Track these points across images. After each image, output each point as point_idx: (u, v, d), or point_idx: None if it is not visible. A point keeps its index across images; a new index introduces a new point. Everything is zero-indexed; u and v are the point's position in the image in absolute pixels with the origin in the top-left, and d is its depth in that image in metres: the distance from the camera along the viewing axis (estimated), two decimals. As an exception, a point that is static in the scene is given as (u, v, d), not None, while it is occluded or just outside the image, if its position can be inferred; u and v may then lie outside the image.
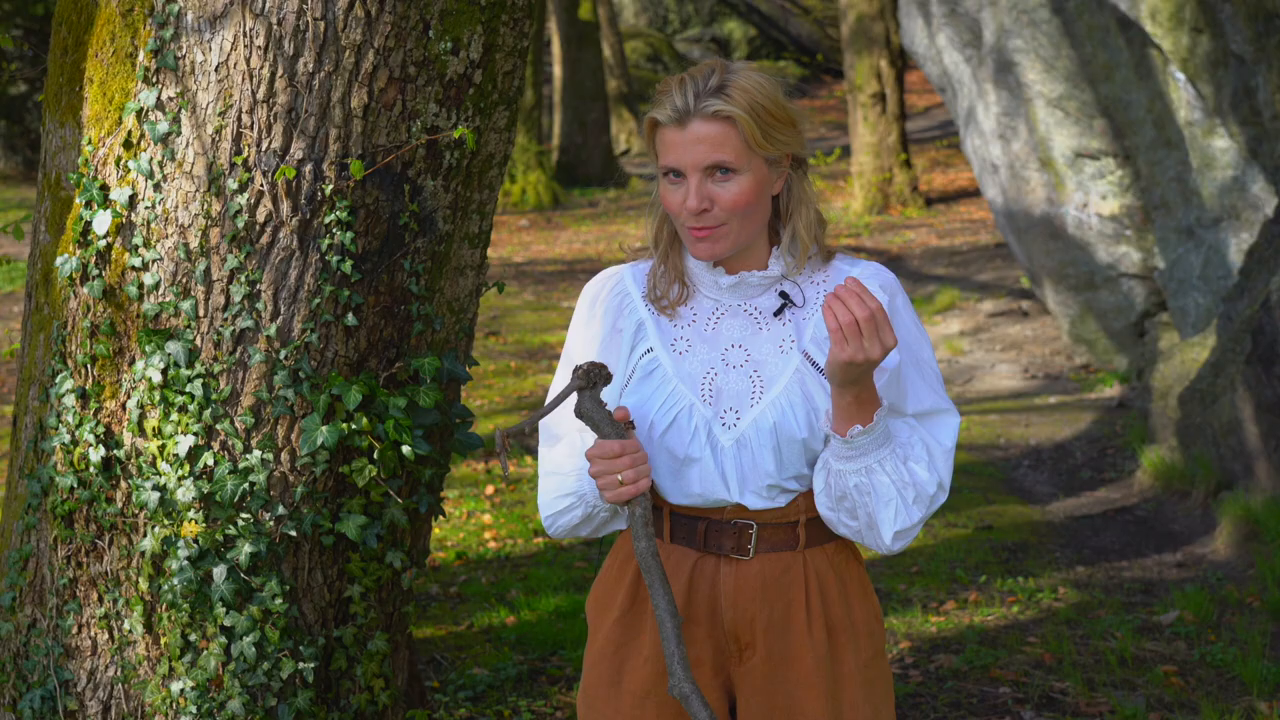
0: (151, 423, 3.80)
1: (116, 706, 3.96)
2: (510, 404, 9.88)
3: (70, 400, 3.90)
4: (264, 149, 3.64)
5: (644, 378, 2.72)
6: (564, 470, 2.77)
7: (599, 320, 2.79)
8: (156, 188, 3.74)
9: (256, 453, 3.77)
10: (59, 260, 3.87)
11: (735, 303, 2.73)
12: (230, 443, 3.78)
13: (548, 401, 2.64)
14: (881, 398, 2.60)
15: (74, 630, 4.01)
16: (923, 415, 2.68)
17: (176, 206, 3.72)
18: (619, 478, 2.58)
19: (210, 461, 3.77)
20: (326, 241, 3.68)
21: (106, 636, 3.98)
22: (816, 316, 2.70)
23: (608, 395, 2.68)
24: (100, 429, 3.87)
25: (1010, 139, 10.23)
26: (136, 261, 3.77)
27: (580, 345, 2.80)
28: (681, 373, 2.71)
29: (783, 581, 2.69)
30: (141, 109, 3.73)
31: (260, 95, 3.61)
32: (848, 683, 2.71)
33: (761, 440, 2.65)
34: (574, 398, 2.61)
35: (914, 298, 12.71)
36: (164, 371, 3.76)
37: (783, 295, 2.71)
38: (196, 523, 3.78)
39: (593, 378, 2.59)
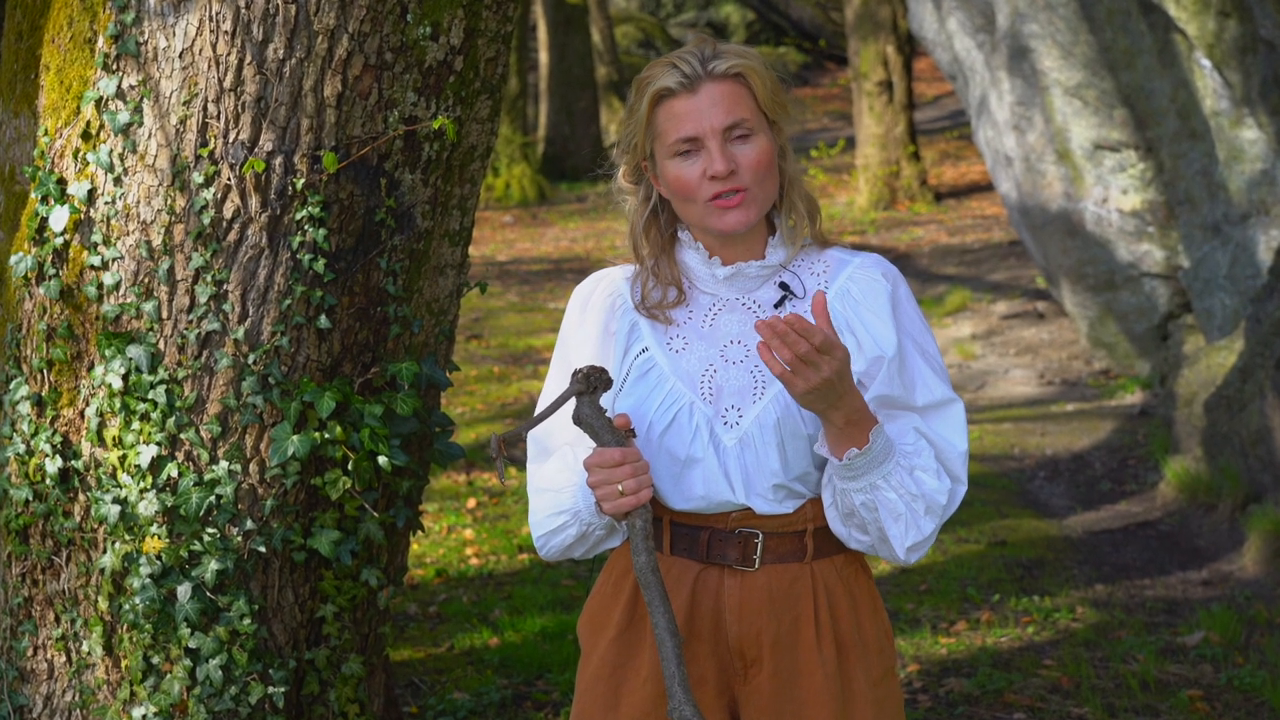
0: (112, 432, 3.81)
1: (74, 734, 3.97)
2: (493, 411, 9.89)
3: (25, 408, 3.90)
4: (231, 140, 3.65)
5: (640, 377, 2.75)
6: (556, 486, 2.78)
7: (590, 323, 2.82)
8: (117, 182, 3.74)
9: (223, 463, 3.77)
10: (13, 259, 3.88)
11: (733, 296, 2.76)
12: (195, 453, 3.79)
13: (544, 407, 2.65)
14: (876, 413, 2.63)
15: (29, 652, 4.01)
16: (932, 406, 2.71)
17: (138, 201, 3.73)
18: (619, 488, 2.59)
19: (174, 473, 3.77)
20: (298, 239, 3.69)
21: (64, 659, 3.98)
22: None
23: (604, 401, 2.69)
24: (57, 438, 3.87)
25: (1025, 130, 10.25)
26: (96, 260, 3.78)
27: (573, 349, 2.83)
28: (679, 371, 2.73)
29: (790, 594, 2.71)
30: (101, 98, 3.74)
31: (227, 83, 3.62)
32: (858, 702, 2.72)
33: (765, 438, 2.67)
34: (571, 404, 2.62)
35: (923, 299, 12.73)
36: (125, 377, 3.76)
37: (783, 286, 2.74)
38: (159, 538, 3.78)
39: (592, 382, 2.60)
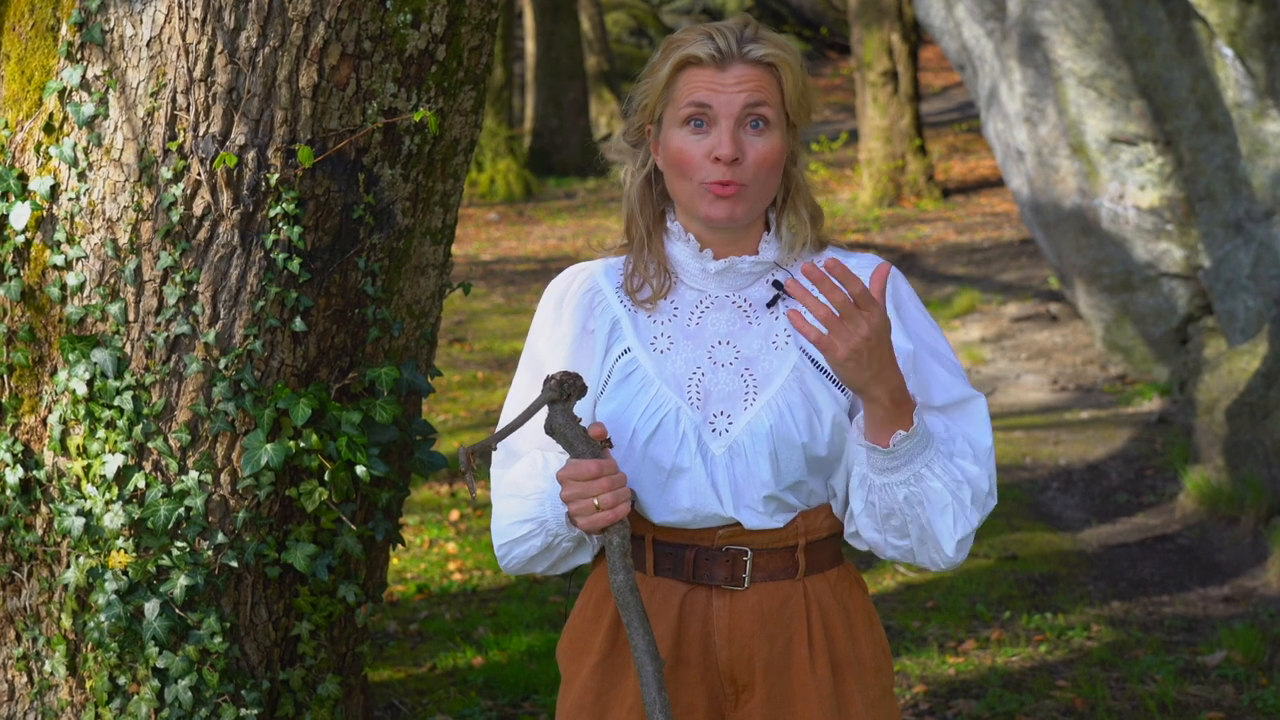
0: (75, 440, 3.81)
1: (35, 759, 3.97)
2: (477, 419, 9.89)
3: (-16, 415, 3.91)
4: (202, 134, 3.65)
5: (622, 381, 2.73)
6: (523, 493, 2.75)
7: (567, 321, 2.80)
8: (81, 177, 3.75)
9: (193, 474, 3.78)
10: (-29, 258, 3.89)
11: (722, 294, 2.75)
12: (164, 462, 3.79)
13: (514, 416, 2.63)
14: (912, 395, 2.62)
15: (-12, 673, 4.02)
16: (952, 405, 2.70)
17: (104, 198, 3.73)
18: (595, 502, 2.57)
19: (141, 484, 3.78)
20: (272, 237, 3.70)
21: (25, 679, 3.99)
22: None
23: (582, 407, 2.68)
24: (18, 447, 3.88)
25: (1037, 122, 10.27)
26: (59, 259, 3.78)
27: (546, 350, 2.81)
28: (664, 373, 2.72)
29: (782, 614, 2.71)
30: (64, 89, 3.74)
31: (197, 73, 3.63)
32: (855, 724, 2.73)
33: (757, 446, 2.66)
34: (543, 412, 2.61)
35: (930, 300, 12.74)
36: (89, 383, 3.77)
37: (776, 285, 2.74)
38: (126, 552, 3.79)
39: (566, 389, 2.58)
